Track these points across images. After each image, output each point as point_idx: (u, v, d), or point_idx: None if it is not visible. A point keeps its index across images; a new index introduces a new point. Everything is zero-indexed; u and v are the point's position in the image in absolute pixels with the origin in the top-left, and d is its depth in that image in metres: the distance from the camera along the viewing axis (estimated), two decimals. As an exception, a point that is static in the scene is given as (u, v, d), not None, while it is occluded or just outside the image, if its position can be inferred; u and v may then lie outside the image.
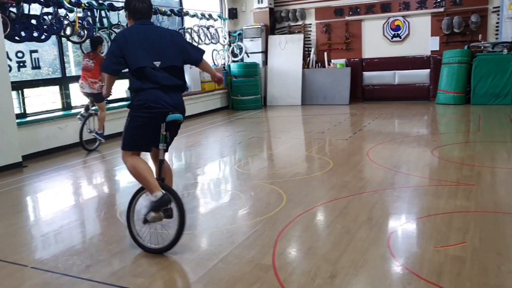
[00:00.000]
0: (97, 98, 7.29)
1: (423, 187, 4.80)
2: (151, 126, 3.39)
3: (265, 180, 5.36)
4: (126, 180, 5.95)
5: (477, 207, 4.07)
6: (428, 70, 11.69)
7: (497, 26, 10.87)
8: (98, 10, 8.47)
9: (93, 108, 7.56)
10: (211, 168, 6.31)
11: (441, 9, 11.29)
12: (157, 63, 3.43)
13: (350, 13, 12.28)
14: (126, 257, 3.38)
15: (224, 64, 12.81)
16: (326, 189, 4.91)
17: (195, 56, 3.74)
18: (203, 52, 3.83)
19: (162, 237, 3.45)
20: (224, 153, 7.22)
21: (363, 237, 3.54)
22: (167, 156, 3.59)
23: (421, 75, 11.77)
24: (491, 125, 8.17)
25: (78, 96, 8.52)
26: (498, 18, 10.78)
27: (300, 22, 12.96)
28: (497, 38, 10.83)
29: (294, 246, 3.52)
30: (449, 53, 10.94)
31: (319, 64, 12.72)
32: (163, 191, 3.30)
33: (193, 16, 11.32)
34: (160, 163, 3.47)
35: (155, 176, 3.42)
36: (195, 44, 11.16)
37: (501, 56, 10.24)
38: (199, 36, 11.41)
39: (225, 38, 12.77)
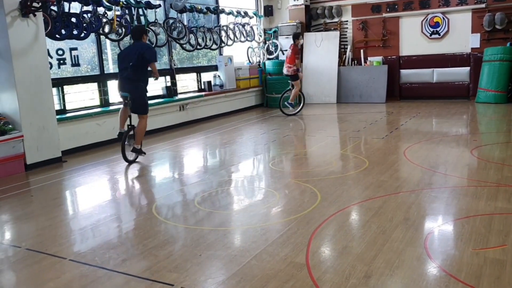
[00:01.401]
0: (292, 78, 10.11)
1: (462, 188, 4.66)
2: (120, 95, 6.63)
3: (299, 178, 5.34)
4: (161, 176, 6.06)
5: (519, 210, 3.93)
6: (468, 68, 11.33)
7: (542, 22, 10.42)
8: (136, 8, 8.63)
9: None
10: (245, 166, 6.33)
11: (483, 5, 10.90)
12: (131, 63, 6.31)
13: (388, 9, 12.05)
14: (161, 252, 3.44)
15: (259, 61, 12.83)
16: (362, 188, 4.83)
17: (147, 58, 6.37)
18: (153, 59, 6.44)
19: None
20: (258, 151, 7.23)
21: (399, 237, 3.47)
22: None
23: (460, 73, 11.42)
24: (536, 124, 7.85)
25: (115, 93, 8.78)
26: (544, 14, 10.34)
27: (336, 19, 12.81)
28: (542, 35, 10.38)
29: (328, 245, 3.49)
30: (491, 50, 10.56)
31: (355, 61, 12.55)
32: (122, 131, 6.53)
33: (228, 13, 11.37)
34: (129, 117, 6.59)
35: (127, 123, 6.56)
36: (231, 41, 11.27)
37: (547, 53, 9.80)
38: (234, 34, 11.47)
39: (260, 35, 12.79)
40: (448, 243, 3.41)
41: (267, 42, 12.91)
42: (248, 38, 12.03)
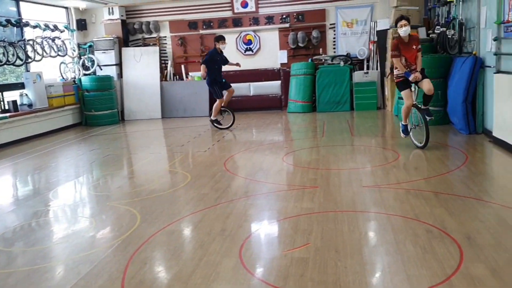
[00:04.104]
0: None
1: (274, 193, 5.03)
2: None
3: (119, 200, 5.12)
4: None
5: (320, 208, 4.39)
6: (279, 82, 12.40)
7: (334, 41, 12.03)
8: None
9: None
10: (60, 192, 5.80)
11: (287, 25, 12.10)
12: None
13: (204, 26, 12.49)
14: None
15: (75, 77, 12.03)
16: (183, 204, 4.86)
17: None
18: (202, 63, 9.43)
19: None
20: (76, 174, 6.73)
21: (216, 249, 3.56)
22: None
23: (273, 86, 12.44)
24: (334, 130, 8.94)
25: None
26: (335, 34, 11.94)
27: (154, 35, 12.79)
28: (335, 52, 11.99)
29: (146, 269, 3.38)
30: (296, 65, 11.78)
31: (177, 76, 12.68)
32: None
33: (35, 27, 10.42)
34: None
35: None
36: (39, 56, 10.39)
37: (339, 68, 11.34)
38: (43, 48, 10.54)
39: (74, 50, 12.02)
40: (261, 248, 3.63)
41: (82, 57, 12.19)
42: (60, 53, 11.18)
